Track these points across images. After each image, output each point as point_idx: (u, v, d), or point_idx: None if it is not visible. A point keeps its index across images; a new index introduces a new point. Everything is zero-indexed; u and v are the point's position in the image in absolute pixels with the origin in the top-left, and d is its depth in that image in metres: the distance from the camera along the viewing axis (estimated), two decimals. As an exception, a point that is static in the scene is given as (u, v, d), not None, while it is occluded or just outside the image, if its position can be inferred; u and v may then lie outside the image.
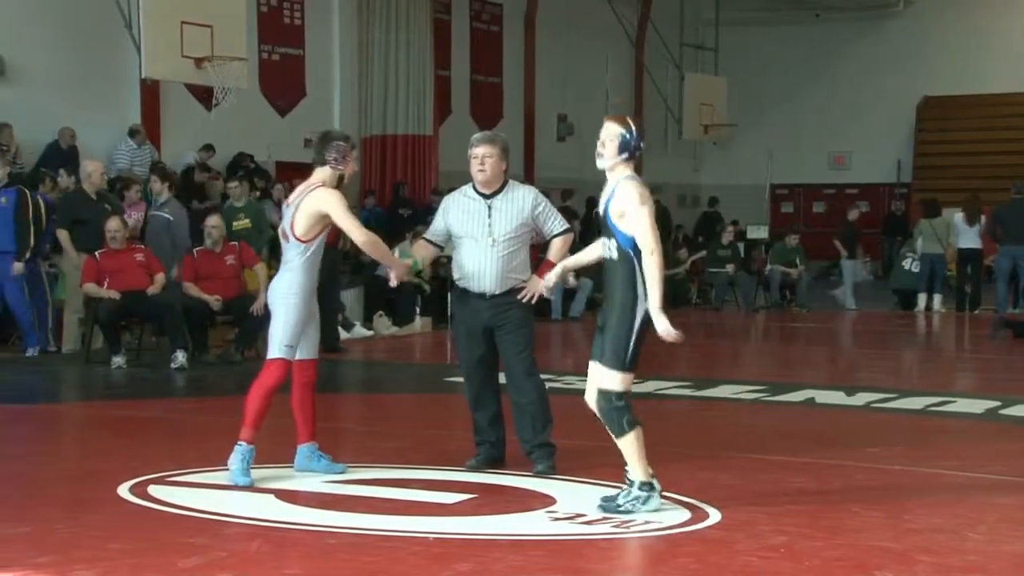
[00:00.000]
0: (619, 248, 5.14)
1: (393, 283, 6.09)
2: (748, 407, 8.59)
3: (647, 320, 5.10)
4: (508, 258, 6.04)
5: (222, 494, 5.58)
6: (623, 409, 5.11)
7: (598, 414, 5.17)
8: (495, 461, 6.17)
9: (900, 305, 17.46)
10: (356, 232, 5.84)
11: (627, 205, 5.08)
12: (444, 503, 5.44)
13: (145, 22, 13.15)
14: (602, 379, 5.13)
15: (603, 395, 5.13)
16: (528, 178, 19.31)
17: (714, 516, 5.17)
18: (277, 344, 5.82)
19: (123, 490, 5.60)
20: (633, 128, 5.21)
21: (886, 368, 11.72)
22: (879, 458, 6.62)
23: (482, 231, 6.03)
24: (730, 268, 17.72)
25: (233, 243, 11.22)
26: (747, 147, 25.46)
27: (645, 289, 5.08)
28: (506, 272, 6.04)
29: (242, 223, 11.63)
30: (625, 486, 5.18)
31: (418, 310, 14.00)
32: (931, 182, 23.55)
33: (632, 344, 5.10)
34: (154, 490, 5.61)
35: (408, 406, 9.23)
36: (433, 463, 6.28)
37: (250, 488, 5.66)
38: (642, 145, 5.23)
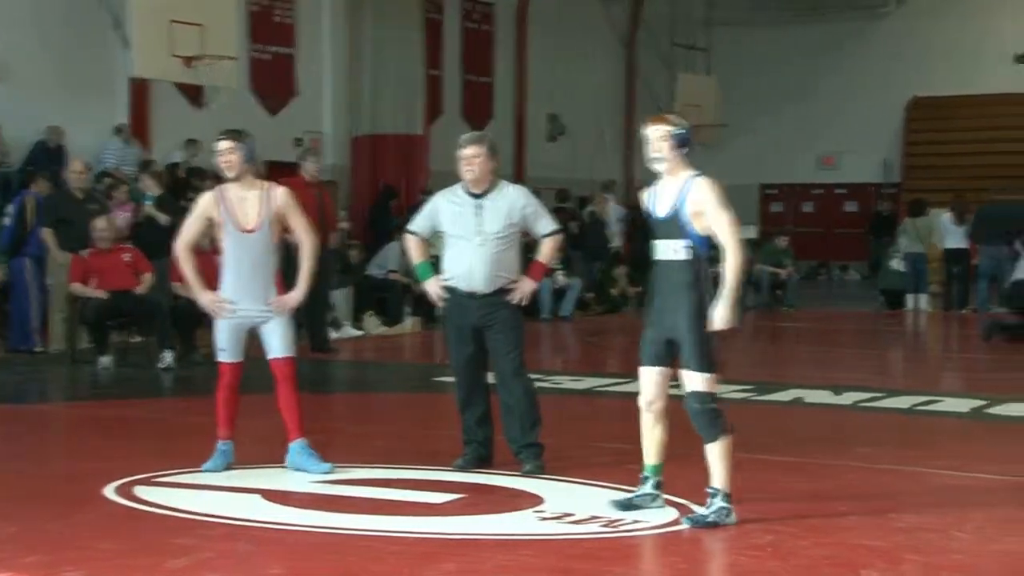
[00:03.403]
0: (691, 248, 5.06)
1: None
2: (736, 406, 8.58)
3: None
4: (497, 258, 6.04)
5: (208, 494, 5.58)
6: (717, 410, 5.06)
7: (692, 417, 5.07)
8: (483, 461, 6.17)
9: (887, 305, 17.50)
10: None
11: (707, 205, 5.04)
12: (432, 503, 5.43)
13: (134, 21, 13.12)
14: (693, 383, 5.06)
15: (696, 396, 5.04)
16: (519, 178, 19.29)
17: (702, 515, 5.16)
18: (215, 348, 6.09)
19: (110, 491, 5.59)
20: (680, 121, 5.18)
21: (873, 368, 11.75)
22: (867, 457, 6.63)
23: (471, 231, 6.03)
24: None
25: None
26: (737, 147, 25.45)
27: (711, 287, 5.06)
28: (495, 272, 6.03)
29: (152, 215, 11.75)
30: (706, 500, 5.05)
31: (408, 310, 13.99)
32: (920, 182, 23.58)
33: (714, 343, 5.07)
34: (140, 491, 5.60)
35: (396, 406, 9.23)
36: (421, 463, 6.27)
37: (236, 488, 5.65)
38: (692, 136, 5.20)
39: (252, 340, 6.15)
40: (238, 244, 5.92)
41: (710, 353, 5.07)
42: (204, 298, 6.02)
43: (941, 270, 17.40)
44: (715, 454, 5.04)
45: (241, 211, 5.91)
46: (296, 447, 6.05)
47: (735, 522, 5.02)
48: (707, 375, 5.06)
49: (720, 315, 5.03)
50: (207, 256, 10.78)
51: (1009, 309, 14.04)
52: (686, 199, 5.08)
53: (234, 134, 5.99)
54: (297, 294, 6.04)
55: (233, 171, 5.92)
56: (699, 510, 5.09)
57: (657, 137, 5.12)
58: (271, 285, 5.99)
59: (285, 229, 6.08)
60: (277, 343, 6.01)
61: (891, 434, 7.64)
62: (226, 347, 6.01)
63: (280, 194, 6.01)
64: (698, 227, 5.08)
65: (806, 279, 22.11)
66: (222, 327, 6.01)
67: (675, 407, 5.27)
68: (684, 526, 5.01)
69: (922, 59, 24.61)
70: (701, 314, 5.06)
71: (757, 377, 10.24)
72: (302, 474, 5.96)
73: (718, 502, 5.01)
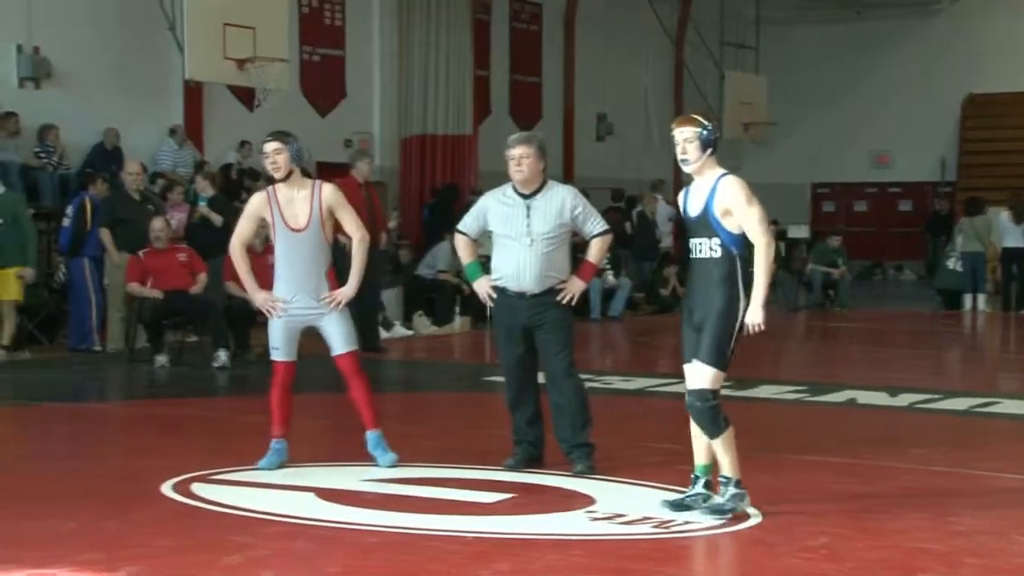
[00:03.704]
0: (723, 246, 5.09)
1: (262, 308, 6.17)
2: (789, 407, 8.53)
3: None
4: (547, 258, 6.03)
5: (264, 492, 5.63)
6: (718, 407, 5.10)
7: (692, 414, 5.14)
8: (534, 461, 6.17)
9: (944, 305, 17.28)
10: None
11: (734, 203, 5.07)
12: (483, 502, 5.44)
13: (188, 24, 13.28)
14: (698, 376, 5.10)
15: (697, 394, 5.09)
16: (567, 178, 19.28)
17: (754, 517, 5.14)
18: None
19: (167, 488, 5.66)
20: (706, 122, 5.18)
21: (930, 368, 11.60)
22: (923, 459, 6.55)
23: (521, 231, 6.03)
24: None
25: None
26: (788, 146, 25.27)
27: (745, 286, 5.07)
28: (545, 272, 6.03)
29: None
30: (713, 488, 5.16)
31: (457, 310, 14.03)
32: (977, 180, 23.27)
33: (733, 342, 5.10)
34: (197, 488, 5.67)
35: (447, 405, 9.25)
36: (472, 462, 6.29)
37: (291, 487, 5.70)
38: (719, 134, 5.22)
39: (308, 339, 6.21)
40: (289, 243, 6.00)
41: (727, 350, 5.09)
42: (258, 297, 6.09)
43: (997, 270, 17.15)
44: (721, 448, 5.12)
45: (290, 211, 5.99)
46: (371, 437, 6.14)
47: (749, 504, 5.11)
48: (715, 370, 5.08)
49: (753, 315, 5.06)
50: (259, 258, 10.91)
51: None
52: (714, 199, 5.11)
53: (280, 135, 6.07)
54: (349, 288, 6.10)
55: (280, 172, 6.00)
56: (716, 499, 5.14)
57: (684, 139, 5.15)
58: (324, 283, 6.05)
59: (337, 228, 6.13)
60: (338, 339, 6.08)
61: (947, 436, 7.54)
62: (279, 346, 6.08)
63: (328, 191, 6.07)
64: (729, 226, 5.11)
65: (860, 279, 21.89)
66: (276, 326, 6.07)
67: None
68: (702, 517, 5.05)
69: (977, 56, 24.26)
70: (729, 310, 5.08)
71: (810, 378, 10.17)
72: (355, 473, 6.00)
73: (732, 489, 5.10)
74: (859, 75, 25.10)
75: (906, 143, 25.06)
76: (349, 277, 6.11)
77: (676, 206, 20.64)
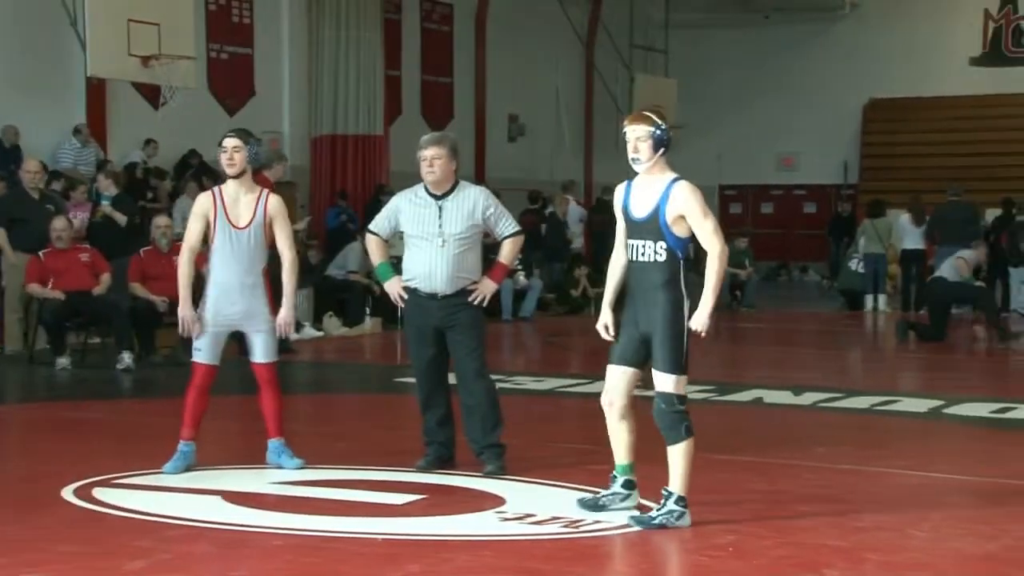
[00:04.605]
0: (668, 250, 5.01)
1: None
2: (697, 407, 8.57)
3: None
4: (459, 258, 6.03)
5: (168, 496, 5.53)
6: (684, 414, 5.02)
7: (656, 418, 5.03)
8: (445, 462, 6.17)
9: (847, 306, 17.66)
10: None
11: (689, 212, 4.98)
12: (393, 504, 5.42)
13: (91, 20, 12.98)
14: (661, 383, 5.02)
15: (664, 398, 5.01)
16: (479, 178, 19.28)
17: (663, 515, 5.18)
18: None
19: (68, 493, 5.53)
20: (660, 121, 5.04)
21: (833, 368, 11.85)
22: (826, 457, 6.69)
23: (433, 232, 6.02)
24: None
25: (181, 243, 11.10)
26: (696, 148, 25.56)
27: (689, 289, 5.04)
28: (456, 273, 6.03)
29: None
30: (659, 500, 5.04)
31: (368, 311, 13.95)
32: (878, 184, 23.85)
33: (686, 345, 5.04)
34: (99, 492, 5.55)
35: (357, 407, 9.20)
36: (382, 464, 6.26)
37: (196, 490, 5.61)
38: (672, 135, 5.10)
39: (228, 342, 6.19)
40: (229, 240, 5.97)
41: (681, 354, 5.04)
42: (186, 312, 6.00)
43: (896, 271, 17.60)
44: (675, 456, 5.02)
45: (234, 211, 5.99)
46: (273, 445, 6.14)
47: (688, 525, 4.99)
48: (677, 376, 5.03)
49: (700, 318, 5.03)
50: (162, 257, 10.70)
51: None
52: (667, 204, 5.00)
53: (242, 133, 6.05)
54: (286, 312, 6.10)
55: (235, 169, 5.97)
56: (652, 513, 5.05)
57: (636, 137, 5.01)
58: (260, 282, 6.02)
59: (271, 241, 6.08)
60: (260, 348, 6.10)
61: (850, 434, 7.71)
62: (203, 348, 6.02)
63: (274, 201, 6.07)
64: (677, 231, 5.03)
65: (766, 280, 22.27)
66: (204, 323, 6.00)
67: (599, 407, 5.28)
68: (631, 526, 5.00)
69: (879, 61, 24.87)
70: (676, 315, 5.03)
71: (717, 377, 10.29)
72: (262, 475, 5.94)
73: (669, 504, 4.99)
74: (766, 79, 25.56)
75: (810, 146, 25.58)
76: (283, 301, 6.09)
77: (587, 207, 20.62)
